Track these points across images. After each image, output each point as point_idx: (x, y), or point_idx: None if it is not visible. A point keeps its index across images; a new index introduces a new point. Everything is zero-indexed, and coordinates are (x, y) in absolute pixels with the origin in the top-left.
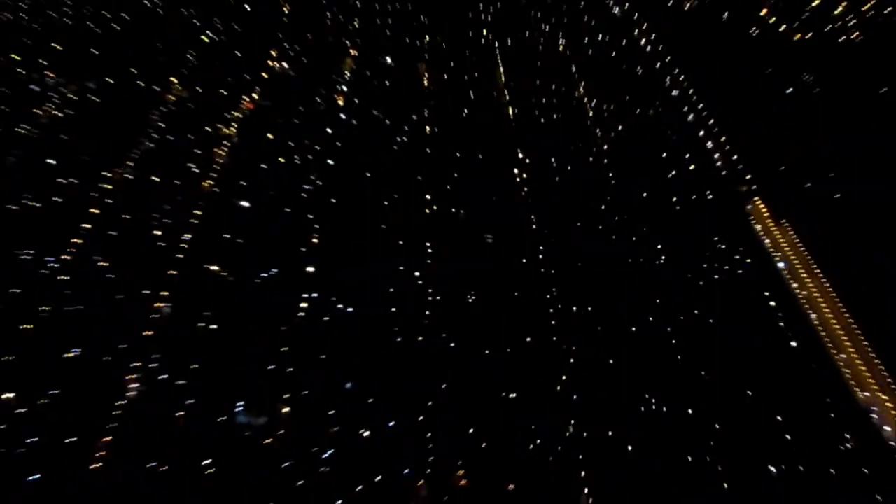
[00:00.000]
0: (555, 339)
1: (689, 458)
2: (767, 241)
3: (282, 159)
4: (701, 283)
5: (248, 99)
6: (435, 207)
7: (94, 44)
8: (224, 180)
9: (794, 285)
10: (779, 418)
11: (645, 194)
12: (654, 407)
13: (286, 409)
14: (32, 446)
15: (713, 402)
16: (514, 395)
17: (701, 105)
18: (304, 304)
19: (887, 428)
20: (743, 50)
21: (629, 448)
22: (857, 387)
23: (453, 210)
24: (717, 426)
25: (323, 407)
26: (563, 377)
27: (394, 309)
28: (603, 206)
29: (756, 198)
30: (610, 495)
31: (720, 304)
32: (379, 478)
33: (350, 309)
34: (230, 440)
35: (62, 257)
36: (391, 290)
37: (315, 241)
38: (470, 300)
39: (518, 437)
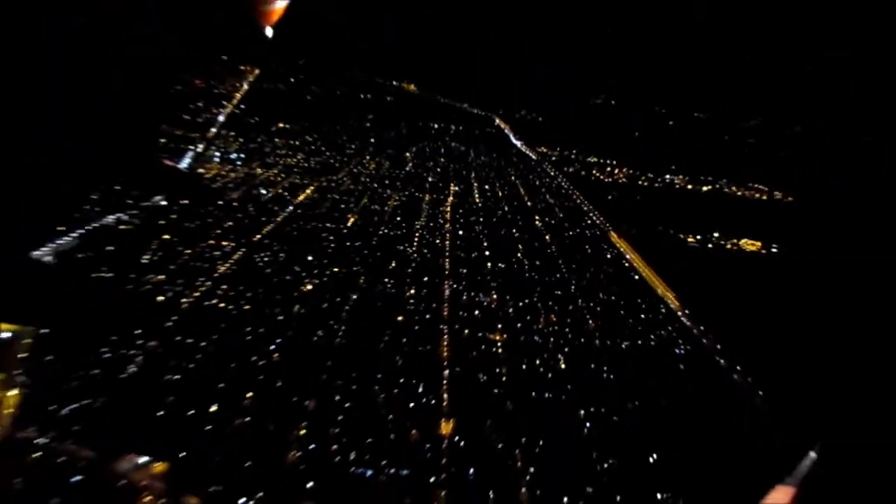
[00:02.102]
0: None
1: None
2: (622, 248)
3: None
4: (602, 262)
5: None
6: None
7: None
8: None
9: (636, 264)
10: (634, 311)
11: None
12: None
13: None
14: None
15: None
16: None
17: (593, 207)
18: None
19: (676, 310)
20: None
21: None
22: (666, 299)
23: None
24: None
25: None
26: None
27: None
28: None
29: (611, 231)
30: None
31: (604, 270)
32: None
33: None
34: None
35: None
36: None
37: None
38: None
39: None
